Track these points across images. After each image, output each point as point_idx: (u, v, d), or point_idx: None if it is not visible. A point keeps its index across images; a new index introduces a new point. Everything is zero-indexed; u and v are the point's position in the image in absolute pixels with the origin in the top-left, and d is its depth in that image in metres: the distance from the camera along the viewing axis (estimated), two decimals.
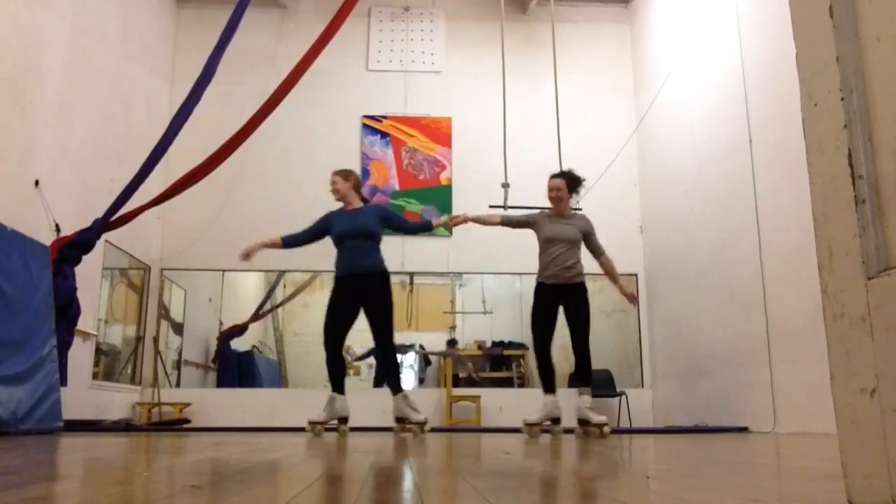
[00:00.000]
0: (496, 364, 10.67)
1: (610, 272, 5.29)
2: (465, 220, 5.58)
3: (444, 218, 5.85)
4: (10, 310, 5.22)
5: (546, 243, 5.21)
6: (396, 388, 5.19)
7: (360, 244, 5.15)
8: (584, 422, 5.03)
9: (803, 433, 5.85)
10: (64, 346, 6.09)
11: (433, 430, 5.76)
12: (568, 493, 1.50)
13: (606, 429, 4.92)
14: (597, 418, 4.97)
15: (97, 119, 7.61)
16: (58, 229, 6.56)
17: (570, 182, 5.27)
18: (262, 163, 9.58)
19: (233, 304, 10.63)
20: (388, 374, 5.42)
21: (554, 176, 5.34)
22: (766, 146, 6.83)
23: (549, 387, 5.15)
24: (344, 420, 5.22)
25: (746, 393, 7.06)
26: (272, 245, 5.43)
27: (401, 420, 5.20)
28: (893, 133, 0.91)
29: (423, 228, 6.29)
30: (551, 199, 5.25)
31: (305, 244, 5.48)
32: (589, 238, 5.23)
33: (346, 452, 2.98)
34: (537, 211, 5.49)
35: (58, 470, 2.23)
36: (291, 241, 5.44)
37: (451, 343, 10.48)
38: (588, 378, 5.09)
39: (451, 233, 9.42)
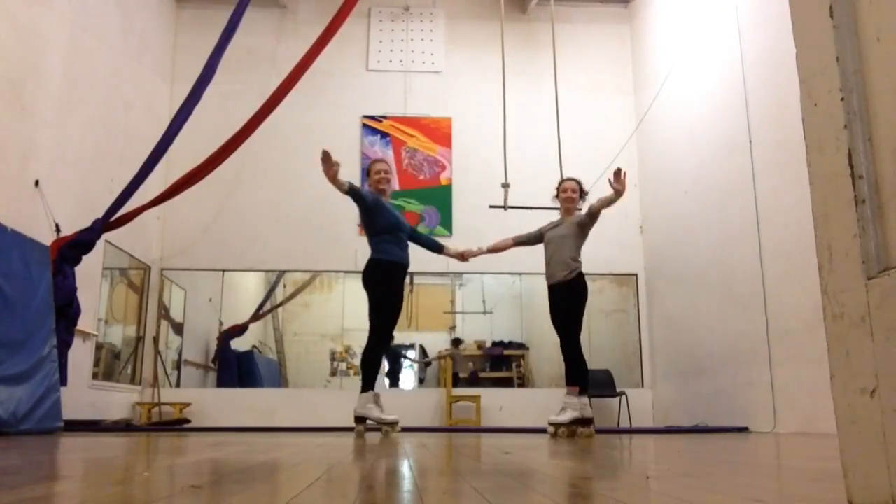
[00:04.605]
0: (496, 364, 10.68)
1: (605, 203, 5.04)
2: (480, 252, 5.62)
3: (456, 251, 5.76)
4: (10, 310, 5.22)
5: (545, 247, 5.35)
6: None
7: None
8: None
9: (803, 433, 5.85)
10: (64, 346, 6.09)
11: (433, 430, 5.75)
12: (568, 493, 1.50)
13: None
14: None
15: (97, 119, 7.61)
16: (58, 229, 6.55)
17: (581, 186, 5.36)
18: (262, 163, 9.58)
19: (233, 304, 10.62)
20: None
21: (568, 179, 5.40)
22: (766, 146, 6.83)
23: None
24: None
25: (746, 393, 7.06)
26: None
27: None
28: (893, 133, 0.91)
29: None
30: (565, 199, 5.30)
31: None
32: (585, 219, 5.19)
33: (347, 452, 2.98)
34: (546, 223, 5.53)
35: (58, 470, 2.23)
36: None
37: (456, 342, 10.51)
38: (579, 378, 5.04)
39: (451, 233, 9.42)
